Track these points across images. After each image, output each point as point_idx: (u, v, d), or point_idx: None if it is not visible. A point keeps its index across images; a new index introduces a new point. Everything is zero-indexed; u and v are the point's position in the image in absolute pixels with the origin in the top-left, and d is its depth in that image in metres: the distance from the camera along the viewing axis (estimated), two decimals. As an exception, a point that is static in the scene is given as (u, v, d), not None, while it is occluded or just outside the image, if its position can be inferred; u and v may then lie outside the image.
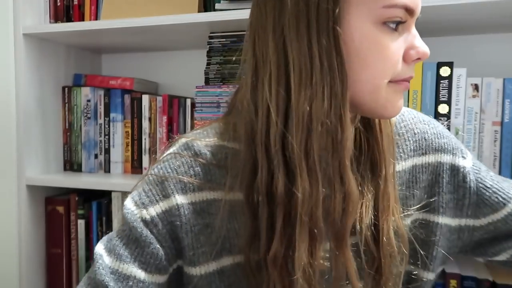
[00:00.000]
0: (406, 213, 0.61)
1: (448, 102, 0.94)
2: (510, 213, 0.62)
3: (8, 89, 1.16)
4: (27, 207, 1.19)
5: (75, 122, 1.28)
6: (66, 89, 1.29)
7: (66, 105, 1.29)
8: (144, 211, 0.55)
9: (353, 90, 0.50)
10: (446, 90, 0.94)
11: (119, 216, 1.19)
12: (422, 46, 0.50)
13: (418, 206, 0.61)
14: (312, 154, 0.48)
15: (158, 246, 0.54)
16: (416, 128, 0.63)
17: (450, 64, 0.94)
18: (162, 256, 0.55)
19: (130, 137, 1.24)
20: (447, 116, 0.94)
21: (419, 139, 0.63)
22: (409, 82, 0.52)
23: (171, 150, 0.58)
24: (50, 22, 1.24)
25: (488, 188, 0.62)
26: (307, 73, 0.47)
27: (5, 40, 1.15)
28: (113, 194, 1.20)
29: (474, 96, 0.95)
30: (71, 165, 1.29)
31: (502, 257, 0.65)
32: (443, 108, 0.95)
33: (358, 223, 0.54)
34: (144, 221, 0.54)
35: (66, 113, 1.29)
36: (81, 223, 1.22)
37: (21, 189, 1.18)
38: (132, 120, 1.24)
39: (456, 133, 0.95)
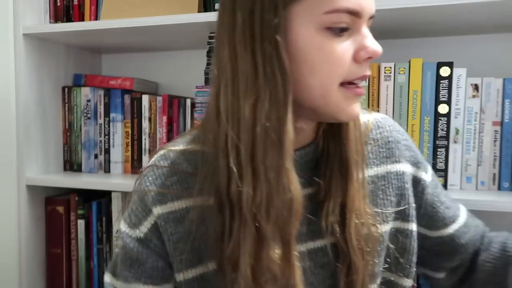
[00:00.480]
0: (384, 218, 0.62)
1: (448, 102, 0.94)
2: (456, 230, 0.67)
3: (8, 89, 1.16)
4: (27, 207, 1.19)
5: (75, 122, 1.28)
6: (66, 89, 1.29)
7: (66, 105, 1.29)
8: (137, 231, 0.59)
9: (306, 96, 0.52)
10: (446, 90, 0.94)
11: (119, 217, 1.19)
12: (372, 46, 0.51)
13: (393, 210, 0.63)
14: (256, 157, 0.50)
15: (156, 259, 0.59)
16: (391, 136, 0.65)
17: (450, 64, 0.94)
18: (163, 266, 0.59)
19: (130, 137, 1.24)
20: (447, 116, 0.94)
21: (393, 147, 0.65)
22: (362, 88, 0.53)
23: (149, 162, 0.62)
24: (50, 22, 1.24)
25: (442, 203, 0.67)
26: (252, 80, 0.50)
27: (5, 40, 1.15)
28: (113, 194, 1.20)
29: (474, 96, 0.95)
30: (71, 165, 1.29)
31: (441, 274, 0.70)
32: (443, 108, 0.95)
33: (324, 223, 0.57)
34: (139, 240, 0.59)
35: (66, 113, 1.29)
36: (81, 223, 1.22)
37: (21, 189, 1.18)
38: (132, 120, 1.24)
39: (456, 133, 0.95)
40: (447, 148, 0.95)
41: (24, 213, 1.18)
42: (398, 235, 0.64)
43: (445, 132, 0.95)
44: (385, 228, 0.63)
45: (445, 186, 0.95)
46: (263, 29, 0.49)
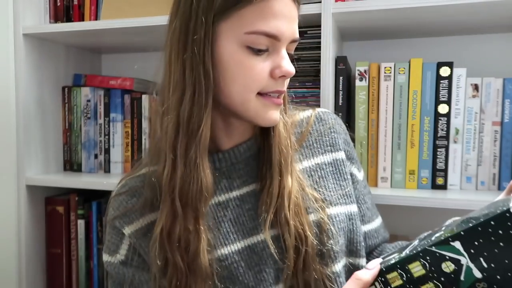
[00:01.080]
0: (334, 201, 0.68)
1: (448, 102, 0.94)
2: (368, 231, 0.73)
3: (8, 89, 1.16)
4: (27, 207, 1.19)
5: (75, 122, 1.28)
6: (66, 89, 1.29)
7: (66, 105, 1.29)
8: (118, 255, 0.66)
9: (228, 101, 0.60)
10: (446, 90, 0.94)
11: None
12: (285, 66, 0.59)
13: (343, 193, 0.69)
14: (176, 146, 0.59)
15: (142, 273, 0.65)
16: (334, 128, 0.72)
17: (450, 64, 0.94)
18: (150, 277, 0.63)
19: (130, 137, 1.24)
20: (447, 116, 0.94)
21: (335, 137, 0.72)
22: (280, 98, 0.61)
23: (112, 194, 0.69)
24: (50, 22, 1.24)
25: (365, 202, 0.74)
26: (180, 82, 0.58)
27: (5, 40, 1.15)
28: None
29: (474, 96, 0.95)
30: (71, 165, 1.29)
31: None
32: (443, 108, 0.95)
33: (263, 217, 0.63)
34: (122, 262, 0.65)
35: (66, 113, 1.29)
36: (81, 223, 1.22)
37: (21, 189, 1.18)
38: (132, 120, 1.24)
39: (456, 133, 0.95)
40: (447, 148, 0.95)
41: (24, 213, 1.18)
42: (345, 217, 0.68)
43: (445, 132, 0.95)
44: (336, 210, 0.67)
45: (445, 186, 0.96)
46: (193, 40, 0.57)
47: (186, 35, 0.58)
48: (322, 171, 0.69)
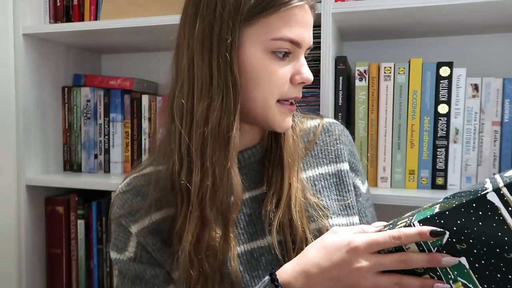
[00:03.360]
0: (336, 212, 0.68)
1: (448, 102, 0.94)
2: None
3: (8, 89, 1.16)
4: (27, 207, 1.19)
5: (74, 122, 1.28)
6: (66, 89, 1.29)
7: (66, 105, 1.29)
8: (126, 253, 0.66)
9: (249, 106, 0.60)
10: (446, 90, 0.94)
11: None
12: (306, 73, 0.61)
13: (345, 203, 0.69)
14: (205, 154, 0.58)
15: (152, 268, 0.64)
16: (340, 139, 0.73)
17: (450, 64, 0.94)
18: (160, 271, 0.64)
19: (130, 137, 1.24)
20: (447, 116, 0.94)
21: (341, 148, 0.72)
22: (294, 105, 0.63)
23: (116, 191, 0.69)
24: (50, 22, 1.24)
25: (366, 216, 0.73)
26: (207, 88, 0.58)
27: (5, 40, 1.15)
28: (113, 194, 1.19)
29: (473, 96, 0.95)
30: (71, 165, 1.29)
31: None
32: (443, 108, 0.95)
33: (267, 222, 0.64)
34: (131, 259, 0.65)
35: (66, 113, 1.29)
36: (80, 223, 1.22)
37: (21, 189, 1.18)
38: (132, 120, 1.24)
39: (456, 133, 0.95)
40: (447, 148, 0.95)
41: (24, 213, 1.18)
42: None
43: (445, 132, 0.95)
44: (337, 221, 0.67)
45: (445, 186, 0.96)
46: (220, 45, 0.57)
47: (211, 40, 0.57)
48: (325, 181, 0.69)
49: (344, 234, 0.53)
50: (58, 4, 1.23)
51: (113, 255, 0.67)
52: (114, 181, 1.12)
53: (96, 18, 1.21)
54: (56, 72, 1.27)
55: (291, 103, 0.62)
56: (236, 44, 0.57)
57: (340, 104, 0.97)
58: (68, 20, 1.23)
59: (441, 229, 0.47)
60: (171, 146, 0.61)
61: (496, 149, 0.95)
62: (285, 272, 0.55)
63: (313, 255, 0.54)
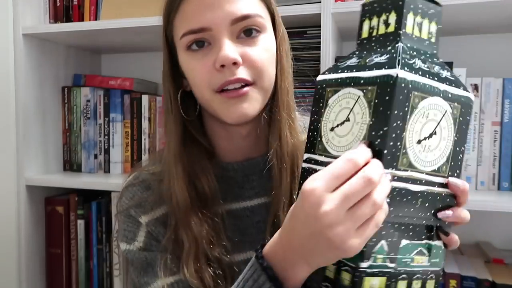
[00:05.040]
0: None
1: (448, 102, 0.94)
2: None
3: (8, 89, 1.16)
4: (27, 207, 1.19)
5: (74, 122, 1.28)
6: (66, 89, 1.29)
7: (66, 105, 1.29)
8: (136, 243, 0.64)
9: (202, 106, 0.63)
10: (446, 90, 0.94)
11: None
12: (220, 54, 0.56)
13: None
14: (179, 158, 0.62)
15: (162, 254, 0.63)
16: None
17: (449, 64, 0.94)
18: (171, 257, 0.63)
19: (129, 137, 1.24)
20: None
21: None
22: (240, 90, 0.57)
23: (124, 184, 0.69)
24: (49, 22, 1.24)
25: None
26: (166, 97, 0.64)
27: (4, 40, 1.15)
28: (112, 194, 1.20)
29: (473, 96, 0.95)
30: (71, 165, 1.29)
31: None
32: (442, 108, 0.94)
33: (271, 228, 0.63)
34: (141, 248, 0.64)
35: (66, 113, 1.29)
36: (80, 223, 1.22)
37: (21, 189, 1.18)
38: (131, 120, 1.24)
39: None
40: (447, 148, 0.95)
41: (23, 213, 1.18)
42: None
43: (445, 132, 0.95)
44: None
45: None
46: (165, 55, 0.64)
47: (163, 57, 0.64)
48: None
49: (303, 185, 0.42)
50: (58, 4, 1.23)
51: (123, 246, 0.66)
52: (114, 181, 1.12)
53: (96, 18, 1.21)
54: (56, 72, 1.27)
55: (234, 89, 0.57)
56: (167, 52, 0.63)
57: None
58: (68, 20, 1.23)
59: None
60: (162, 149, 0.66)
61: (496, 149, 0.95)
62: (267, 247, 0.49)
63: (285, 222, 0.46)
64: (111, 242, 1.22)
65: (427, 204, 0.46)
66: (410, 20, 0.46)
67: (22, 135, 1.17)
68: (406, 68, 0.43)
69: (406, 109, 0.43)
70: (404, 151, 0.43)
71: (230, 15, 0.56)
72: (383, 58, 0.45)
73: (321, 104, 0.50)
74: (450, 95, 0.46)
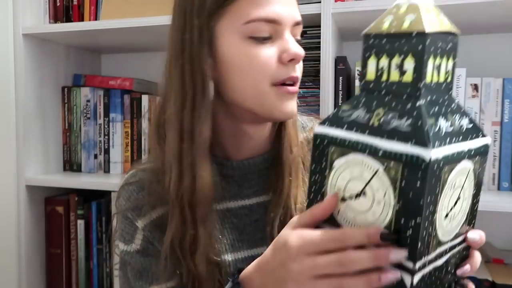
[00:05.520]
0: None
1: (448, 102, 0.94)
2: None
3: (8, 89, 1.16)
4: (27, 207, 1.19)
5: (74, 122, 1.28)
6: (66, 89, 1.29)
7: (66, 105, 1.29)
8: (133, 245, 0.64)
9: (242, 98, 0.58)
10: (446, 90, 0.94)
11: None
12: (293, 48, 0.56)
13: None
14: (183, 158, 0.59)
15: (158, 260, 0.62)
16: None
17: (449, 64, 0.94)
18: (166, 264, 0.62)
19: (129, 137, 1.24)
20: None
21: None
22: (295, 87, 0.58)
23: (121, 183, 0.68)
24: (49, 22, 1.24)
25: None
26: (180, 94, 0.59)
27: (4, 40, 1.15)
28: (112, 194, 1.20)
29: (473, 96, 0.95)
30: (71, 165, 1.29)
31: None
32: (442, 108, 0.94)
33: (269, 227, 0.64)
34: (138, 251, 0.64)
35: (66, 113, 1.29)
36: (80, 223, 1.22)
37: (21, 189, 1.18)
38: (131, 120, 1.24)
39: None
40: (447, 148, 0.95)
41: (23, 213, 1.18)
42: None
43: (445, 132, 0.95)
44: None
45: (445, 186, 0.95)
46: (190, 46, 0.58)
47: (182, 42, 0.58)
48: None
49: (286, 230, 0.45)
50: (58, 4, 1.23)
51: (121, 246, 0.66)
52: (114, 181, 1.12)
53: (96, 18, 1.21)
54: (56, 72, 1.27)
55: (291, 85, 0.58)
56: (205, 42, 0.57)
57: (340, 104, 0.97)
58: (68, 20, 1.23)
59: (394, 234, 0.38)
60: (155, 146, 0.63)
61: (496, 149, 0.95)
62: (247, 269, 0.51)
63: (267, 252, 0.48)
64: (111, 242, 1.22)
65: (449, 268, 0.42)
66: (430, 66, 0.38)
67: (22, 135, 1.17)
68: (436, 143, 0.36)
69: (437, 190, 0.37)
70: (434, 234, 0.38)
71: (294, 16, 0.58)
72: (404, 124, 0.38)
73: (323, 165, 0.44)
74: (473, 152, 0.40)
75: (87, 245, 1.23)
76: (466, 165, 0.40)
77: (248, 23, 0.55)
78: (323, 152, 0.44)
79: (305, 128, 0.73)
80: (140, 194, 0.65)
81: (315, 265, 0.40)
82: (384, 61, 0.40)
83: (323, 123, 0.44)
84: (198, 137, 0.59)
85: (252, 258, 0.63)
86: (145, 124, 1.22)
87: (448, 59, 0.40)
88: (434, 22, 0.38)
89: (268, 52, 0.56)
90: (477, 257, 0.46)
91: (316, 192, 0.45)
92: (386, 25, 0.40)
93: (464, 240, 0.44)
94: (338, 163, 0.42)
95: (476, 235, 0.45)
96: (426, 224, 0.37)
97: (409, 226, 0.37)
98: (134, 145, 1.24)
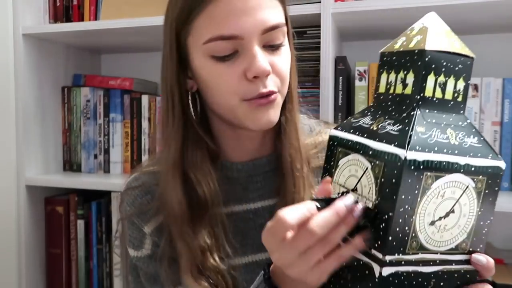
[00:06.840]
0: None
1: (448, 102, 0.94)
2: None
3: (8, 89, 1.16)
4: (27, 208, 1.19)
5: (74, 122, 1.28)
6: (66, 89, 1.29)
7: (66, 105, 1.29)
8: (144, 250, 0.64)
9: (221, 111, 0.59)
10: (446, 90, 0.94)
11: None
12: (255, 66, 0.53)
13: None
14: (179, 164, 0.60)
15: (170, 263, 0.62)
16: None
17: (449, 64, 0.94)
18: (177, 268, 0.61)
19: (129, 137, 1.24)
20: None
21: None
22: (269, 97, 0.56)
23: (124, 186, 0.68)
24: (49, 22, 1.24)
25: None
26: (164, 97, 0.61)
27: (4, 40, 1.15)
28: (112, 195, 1.20)
29: (473, 96, 0.95)
30: (71, 165, 1.29)
31: None
32: (442, 108, 0.94)
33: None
34: (149, 256, 0.64)
35: (66, 113, 1.29)
36: (80, 223, 1.22)
37: (21, 189, 1.18)
38: (131, 120, 1.24)
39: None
40: (446, 148, 0.95)
41: (23, 214, 1.18)
42: None
43: (444, 132, 0.95)
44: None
45: (444, 186, 0.95)
46: (169, 60, 0.59)
47: (164, 56, 0.61)
48: None
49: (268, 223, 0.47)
50: (58, 4, 1.23)
51: (131, 252, 0.66)
52: (114, 181, 1.12)
53: (95, 18, 1.20)
54: (55, 72, 1.27)
55: (264, 97, 0.55)
56: (177, 57, 0.58)
57: (340, 104, 0.97)
58: (68, 20, 1.23)
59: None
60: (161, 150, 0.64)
61: (496, 149, 0.95)
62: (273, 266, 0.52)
63: None
64: (111, 242, 1.22)
65: (442, 283, 0.43)
66: (430, 82, 0.41)
67: (22, 135, 1.16)
68: (417, 147, 0.39)
69: (416, 192, 0.39)
70: (413, 234, 0.40)
71: (262, 24, 0.54)
72: (395, 129, 0.41)
73: (332, 163, 0.48)
74: (473, 169, 0.42)
75: (87, 245, 1.23)
76: (461, 179, 0.41)
77: (207, 43, 0.54)
78: (333, 152, 0.49)
79: (312, 131, 0.71)
80: (144, 198, 0.65)
81: (306, 259, 0.43)
82: (392, 76, 0.45)
83: (336, 128, 0.50)
84: (167, 152, 0.61)
85: (257, 263, 0.62)
86: (145, 124, 1.22)
87: (457, 80, 0.44)
88: (439, 43, 0.42)
89: (231, 71, 0.55)
90: (484, 286, 0.45)
91: None
92: (398, 44, 0.45)
93: (468, 262, 0.44)
94: (342, 162, 0.47)
95: (482, 257, 0.44)
96: (400, 221, 0.39)
97: (382, 219, 0.40)
98: (134, 145, 1.24)
